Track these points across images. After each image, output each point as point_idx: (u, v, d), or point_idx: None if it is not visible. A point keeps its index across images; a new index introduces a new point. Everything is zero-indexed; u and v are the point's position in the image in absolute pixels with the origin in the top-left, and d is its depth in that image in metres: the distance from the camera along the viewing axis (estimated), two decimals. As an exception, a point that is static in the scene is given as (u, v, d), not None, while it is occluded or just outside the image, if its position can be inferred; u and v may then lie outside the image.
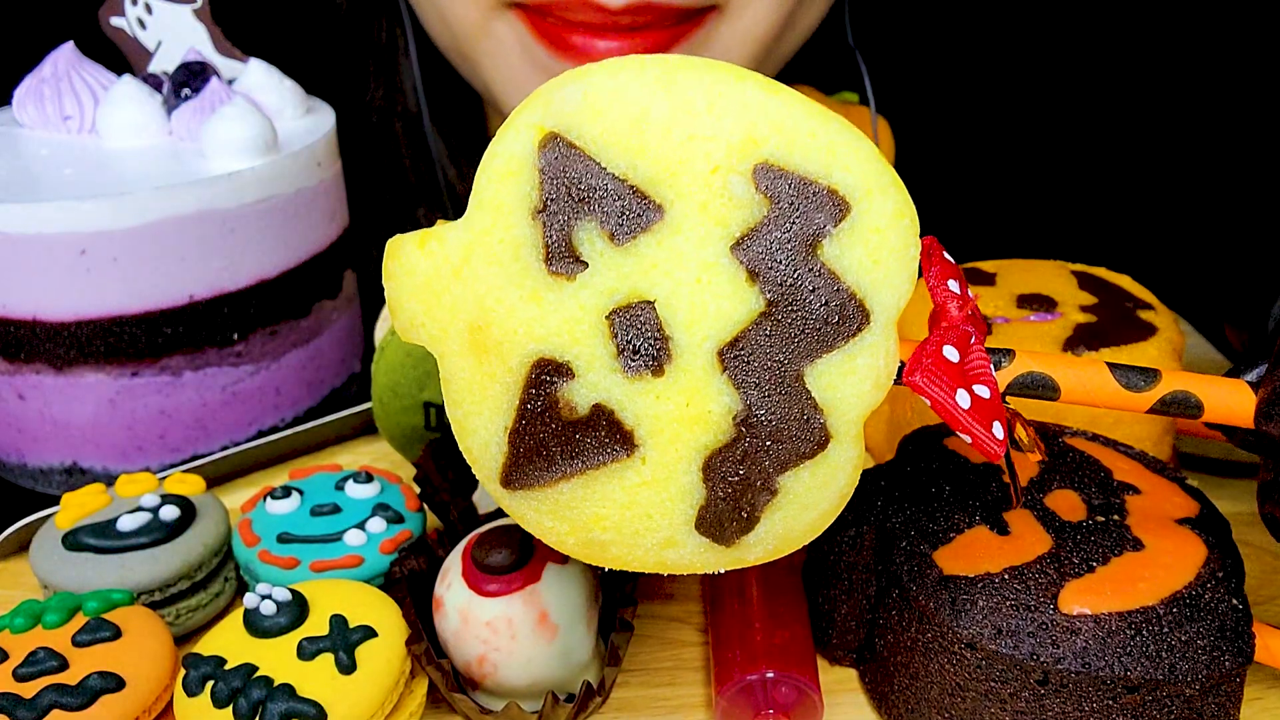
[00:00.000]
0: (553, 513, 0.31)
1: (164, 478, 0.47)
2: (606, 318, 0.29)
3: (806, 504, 0.30)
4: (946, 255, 0.33)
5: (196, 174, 0.52)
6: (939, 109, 0.82)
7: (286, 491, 0.45)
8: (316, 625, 0.37)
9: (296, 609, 0.37)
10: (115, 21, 0.61)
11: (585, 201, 0.29)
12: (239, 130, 0.53)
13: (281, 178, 0.54)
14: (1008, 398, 0.32)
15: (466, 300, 0.30)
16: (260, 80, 0.60)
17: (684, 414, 0.30)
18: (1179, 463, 0.55)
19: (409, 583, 0.40)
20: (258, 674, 0.35)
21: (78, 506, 0.45)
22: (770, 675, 0.38)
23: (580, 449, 0.30)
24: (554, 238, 0.29)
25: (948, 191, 0.75)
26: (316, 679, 0.35)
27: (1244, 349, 0.54)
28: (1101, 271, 0.57)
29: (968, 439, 0.30)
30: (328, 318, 0.59)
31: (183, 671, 0.36)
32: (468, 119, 0.76)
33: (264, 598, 0.38)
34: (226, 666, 0.35)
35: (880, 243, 0.29)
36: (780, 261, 0.29)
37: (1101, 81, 0.84)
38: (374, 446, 0.58)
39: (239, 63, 0.63)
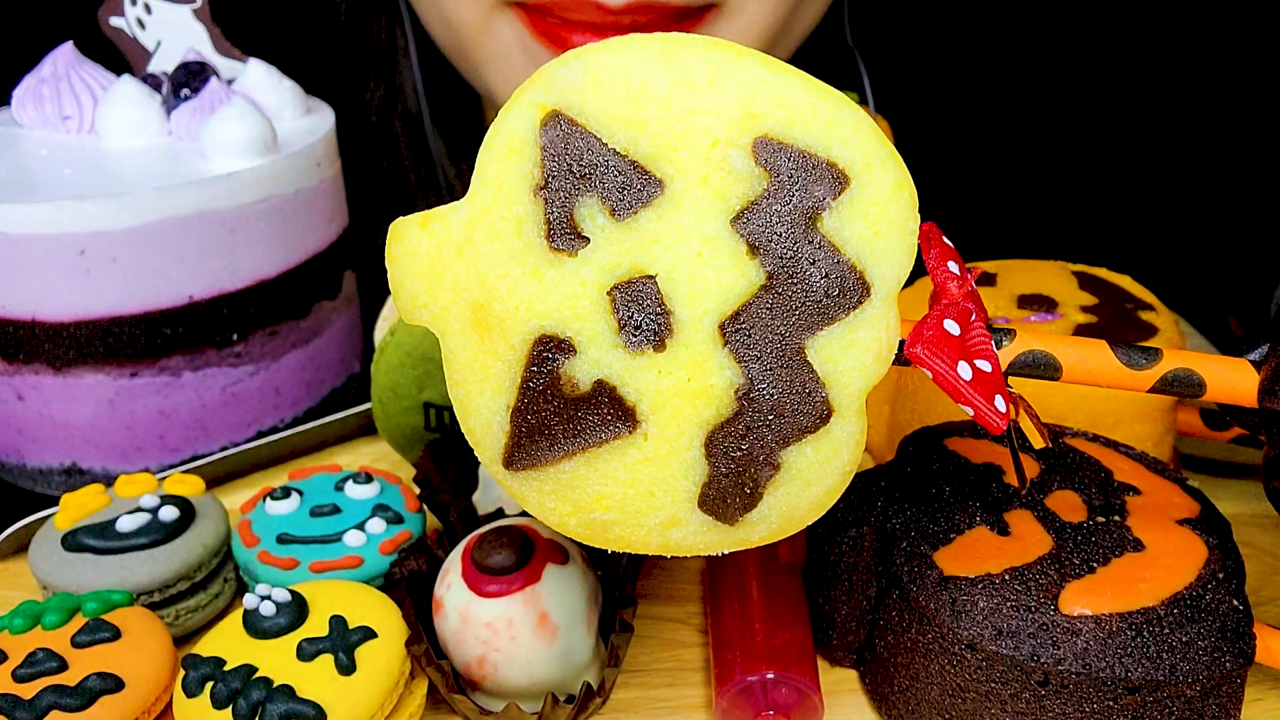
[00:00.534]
0: (555, 493, 0.31)
1: (163, 478, 0.47)
2: (608, 293, 0.29)
3: (810, 479, 0.30)
4: (945, 239, 0.33)
5: (196, 174, 0.52)
6: (938, 109, 0.82)
7: (286, 492, 0.45)
8: (316, 626, 0.37)
9: (296, 610, 0.37)
10: (114, 21, 0.61)
11: (586, 177, 0.29)
12: (238, 130, 0.53)
13: (281, 178, 0.54)
14: (1010, 380, 0.32)
15: (469, 278, 0.30)
16: (260, 80, 0.60)
17: (686, 388, 0.29)
18: (1179, 463, 0.55)
19: (409, 583, 0.40)
20: (257, 675, 0.35)
21: (77, 507, 0.45)
22: (770, 676, 0.38)
23: (582, 426, 0.30)
24: (555, 214, 0.29)
25: (947, 191, 0.75)
26: (316, 680, 0.35)
27: (1246, 335, 0.54)
28: (1102, 272, 0.57)
29: (969, 411, 0.30)
30: (327, 318, 0.59)
31: (182, 672, 0.36)
32: (467, 119, 0.76)
33: (263, 598, 0.38)
34: (226, 667, 0.35)
35: (880, 215, 0.29)
36: (780, 234, 0.29)
37: (1101, 81, 0.84)
38: (374, 447, 0.58)
39: (238, 63, 0.63)
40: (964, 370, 0.30)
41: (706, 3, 0.57)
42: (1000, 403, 0.30)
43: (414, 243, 0.31)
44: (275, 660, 0.36)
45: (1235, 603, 0.36)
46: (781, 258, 0.29)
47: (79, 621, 0.39)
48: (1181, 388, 0.33)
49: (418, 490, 0.46)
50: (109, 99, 0.57)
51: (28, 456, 0.54)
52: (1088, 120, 0.85)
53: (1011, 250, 0.62)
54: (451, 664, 0.38)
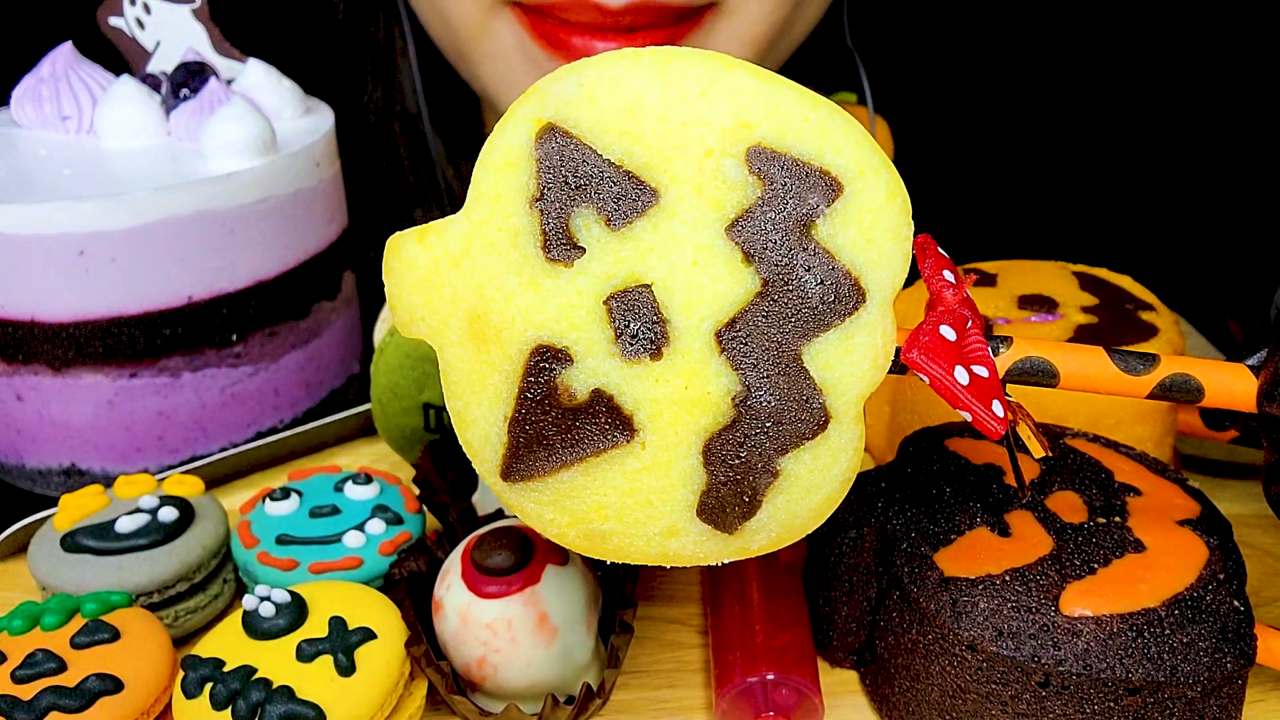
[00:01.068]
0: (553, 504, 0.31)
1: (163, 479, 0.47)
2: (604, 302, 0.30)
3: (809, 487, 0.30)
4: (941, 250, 0.33)
5: (195, 174, 0.51)
6: (938, 109, 0.82)
7: (285, 493, 0.45)
8: (315, 627, 0.37)
9: (295, 611, 0.37)
10: (114, 21, 0.61)
11: (581, 188, 0.29)
12: (237, 130, 0.53)
13: (280, 178, 0.54)
14: (1008, 387, 0.32)
15: (466, 290, 0.31)
16: (259, 80, 0.60)
17: (683, 396, 0.30)
18: (1180, 464, 0.55)
19: (408, 584, 0.40)
20: (257, 676, 0.35)
21: (76, 508, 0.45)
22: (771, 677, 0.38)
23: (580, 436, 0.30)
24: (551, 225, 0.30)
25: (947, 192, 0.75)
26: (315, 681, 0.35)
27: (1245, 339, 0.54)
28: (1102, 272, 0.57)
29: (967, 416, 0.30)
30: (327, 319, 0.59)
31: (181, 673, 0.36)
32: (466, 119, 0.76)
33: (263, 599, 0.37)
34: (225, 668, 0.35)
35: (874, 222, 0.29)
36: (775, 242, 0.29)
37: (1101, 81, 0.84)
38: (373, 448, 0.58)
39: (237, 63, 0.62)
40: (961, 375, 0.30)
41: (706, 2, 0.57)
42: (998, 408, 0.30)
43: (411, 256, 0.31)
44: (275, 661, 0.36)
45: (1236, 603, 0.35)
46: (776, 265, 0.29)
47: (78, 622, 0.39)
48: (1180, 394, 0.32)
49: (417, 491, 0.46)
50: (108, 99, 0.57)
51: (27, 457, 0.54)
52: (1088, 120, 0.85)
53: (1012, 251, 0.62)
54: (451, 665, 0.38)
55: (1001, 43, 0.84)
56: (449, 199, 0.75)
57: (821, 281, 0.29)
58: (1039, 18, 0.84)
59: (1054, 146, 0.85)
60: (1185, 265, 0.76)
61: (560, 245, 0.30)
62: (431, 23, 0.66)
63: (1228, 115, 0.82)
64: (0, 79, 0.62)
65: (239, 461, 0.55)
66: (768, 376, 0.30)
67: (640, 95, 0.29)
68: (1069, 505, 0.39)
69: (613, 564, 0.41)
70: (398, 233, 0.32)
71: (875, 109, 0.70)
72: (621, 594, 0.40)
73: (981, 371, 0.31)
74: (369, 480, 0.46)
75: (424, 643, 0.37)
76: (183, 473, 0.50)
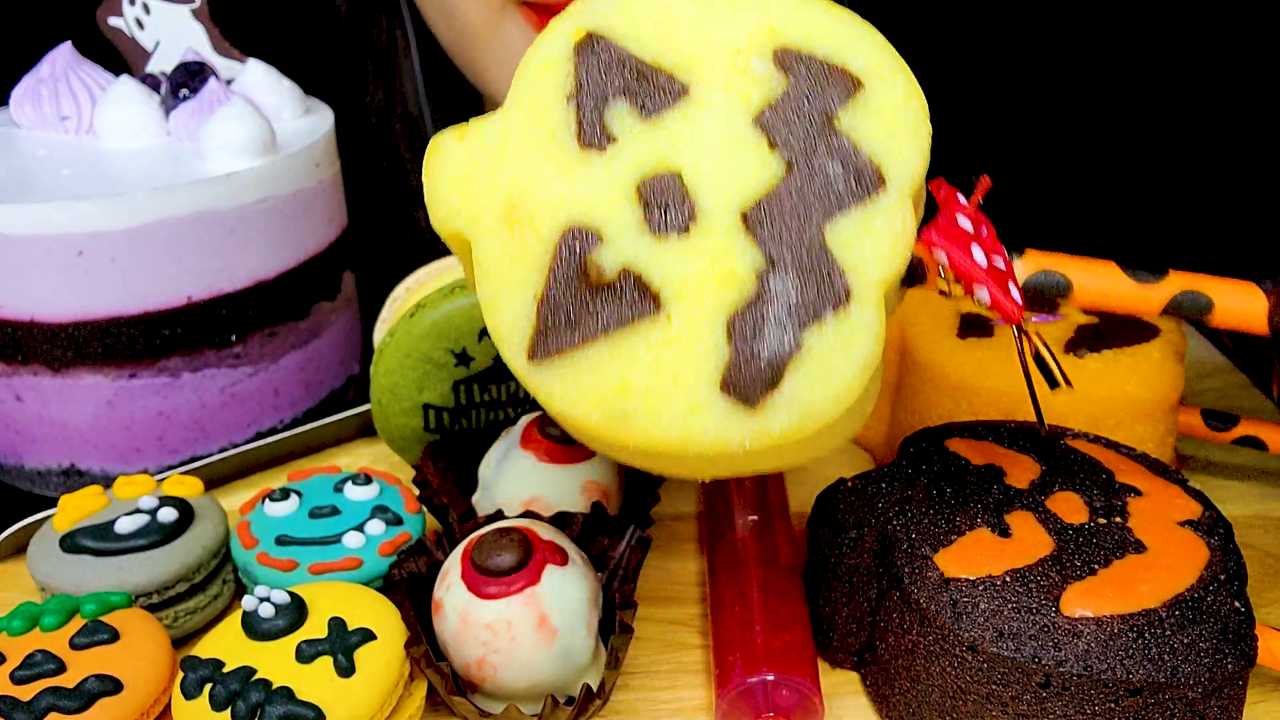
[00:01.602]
0: (578, 382, 0.31)
1: (162, 480, 0.47)
2: (636, 187, 0.32)
3: (830, 365, 0.30)
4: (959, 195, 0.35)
5: (194, 175, 0.51)
6: (937, 109, 0.82)
7: (285, 493, 0.45)
8: (315, 628, 0.37)
9: (295, 612, 0.37)
10: (113, 21, 0.61)
11: (616, 84, 0.32)
12: (237, 131, 0.53)
13: (280, 179, 0.54)
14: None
15: (503, 183, 0.32)
16: (259, 81, 0.60)
17: (709, 273, 0.31)
18: (1180, 464, 0.55)
19: (408, 585, 0.40)
20: (256, 677, 0.35)
21: (75, 509, 0.44)
22: (771, 678, 0.38)
23: (607, 311, 0.31)
24: (587, 116, 0.32)
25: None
26: (315, 682, 0.35)
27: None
28: (1102, 272, 0.57)
29: (984, 297, 0.32)
30: (326, 319, 0.59)
31: (181, 674, 0.36)
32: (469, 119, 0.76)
33: (262, 600, 0.37)
34: (225, 669, 0.35)
35: (893, 119, 0.31)
36: (799, 130, 0.31)
37: (1103, 81, 0.84)
38: (373, 448, 0.58)
39: (237, 63, 0.62)
40: (978, 255, 0.32)
41: None
42: (1015, 294, 0.32)
43: (450, 154, 0.33)
44: (274, 662, 0.36)
45: (1236, 604, 0.35)
46: (801, 150, 0.31)
47: (77, 623, 0.38)
48: (1191, 309, 0.33)
49: (417, 492, 0.46)
50: (107, 99, 0.56)
51: (26, 458, 0.54)
52: (1089, 120, 0.84)
53: (1013, 249, 0.62)
54: (451, 666, 0.37)
55: (1003, 40, 0.84)
56: None
57: (843, 165, 0.31)
58: (1042, 16, 0.83)
59: (1055, 146, 0.84)
60: (1186, 265, 0.76)
61: (595, 135, 0.32)
62: (438, 24, 0.66)
63: (1230, 115, 0.82)
64: (0, 79, 0.62)
65: (238, 462, 0.55)
66: (791, 253, 0.31)
67: (674, 6, 0.32)
68: (1070, 506, 0.39)
69: (613, 564, 0.42)
70: (440, 132, 0.34)
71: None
72: (621, 594, 0.40)
73: (998, 262, 0.32)
74: (369, 481, 0.46)
75: (424, 643, 0.37)
76: (182, 473, 0.50)
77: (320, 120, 0.61)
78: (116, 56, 0.62)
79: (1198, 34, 0.82)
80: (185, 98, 0.57)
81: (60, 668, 0.36)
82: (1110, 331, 0.50)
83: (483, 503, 0.46)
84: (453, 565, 0.38)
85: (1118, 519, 0.38)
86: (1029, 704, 0.35)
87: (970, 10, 0.83)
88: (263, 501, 0.45)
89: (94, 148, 0.56)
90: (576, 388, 0.31)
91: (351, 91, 0.75)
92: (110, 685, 0.36)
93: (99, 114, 0.57)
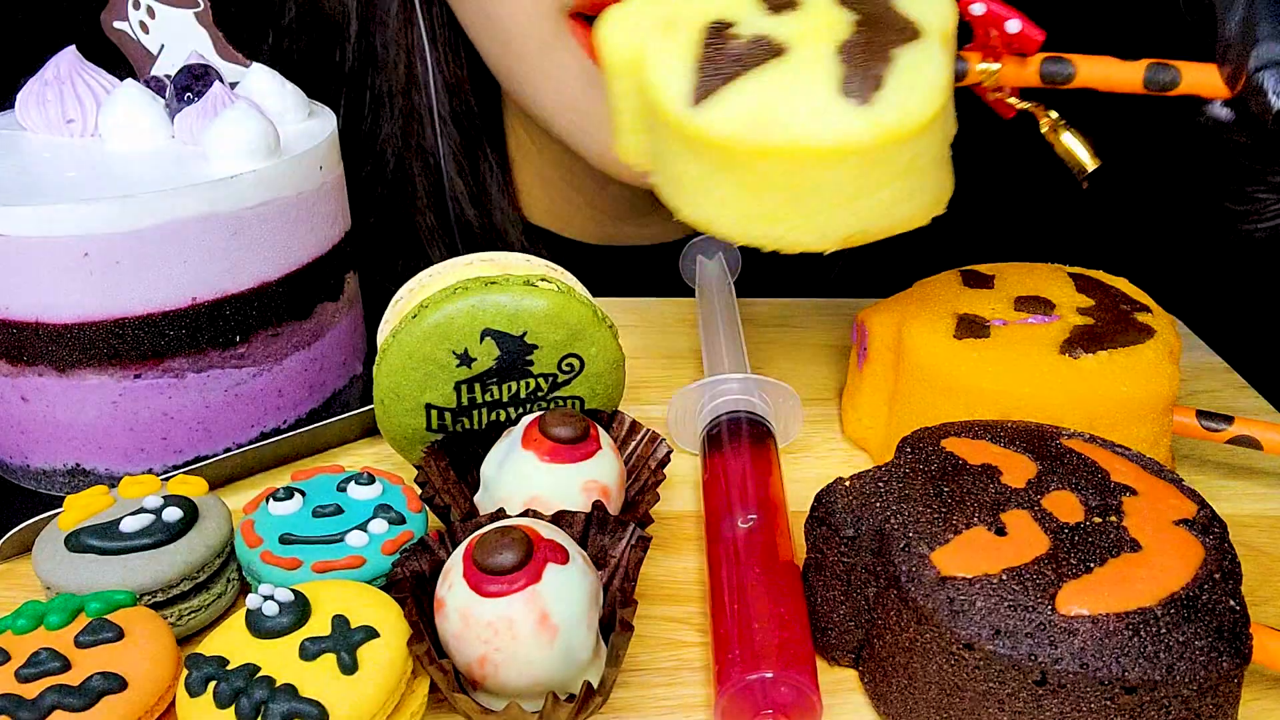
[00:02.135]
0: (730, 108, 0.42)
1: (167, 479, 0.47)
2: None
3: (915, 75, 0.42)
4: None
5: (199, 177, 0.52)
6: None
7: (289, 493, 0.45)
8: (318, 626, 0.37)
9: (298, 610, 0.38)
10: (118, 25, 0.61)
11: None
12: (241, 133, 0.53)
13: (284, 181, 0.54)
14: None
15: (658, 13, 0.46)
16: (262, 84, 0.61)
17: (819, 26, 0.44)
18: (1176, 464, 0.55)
19: (411, 583, 0.40)
20: (260, 674, 0.35)
21: (80, 508, 0.45)
22: (769, 675, 0.38)
23: (746, 58, 0.43)
24: None
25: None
26: (318, 679, 0.35)
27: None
28: (1098, 274, 0.58)
29: (1015, 26, 0.46)
30: (330, 320, 0.60)
31: (185, 672, 0.36)
32: (482, 119, 0.76)
33: (266, 598, 0.38)
34: (229, 667, 0.36)
35: None
36: None
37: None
38: (376, 448, 0.58)
39: (241, 67, 0.63)
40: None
41: None
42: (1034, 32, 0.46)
43: (613, 25, 0.47)
44: (278, 660, 0.36)
45: (1232, 603, 0.36)
46: None
47: (82, 621, 0.39)
48: (1163, 85, 0.48)
49: (420, 491, 0.46)
50: (112, 102, 0.57)
51: (32, 458, 0.54)
52: (1085, 122, 0.85)
53: (1009, 254, 0.62)
54: (453, 663, 0.38)
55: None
56: (454, 204, 0.75)
57: None
58: (1037, 16, 0.84)
59: (1052, 148, 0.84)
60: (1181, 268, 0.76)
61: None
62: (482, 39, 0.66)
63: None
64: (4, 82, 0.62)
65: (242, 462, 0.55)
66: (877, 11, 0.44)
67: None
68: (1066, 505, 0.39)
69: (614, 563, 0.42)
70: (602, 22, 0.47)
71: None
72: (622, 593, 0.40)
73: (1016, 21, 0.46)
74: (372, 480, 0.46)
75: (426, 641, 0.37)
76: (187, 473, 0.50)
77: (323, 123, 0.61)
78: (121, 60, 0.62)
79: (1188, 39, 0.82)
80: (190, 100, 0.57)
81: (65, 666, 0.36)
82: (1105, 332, 0.50)
83: (484, 502, 0.46)
84: (455, 564, 0.39)
85: (1113, 518, 0.38)
86: (1025, 701, 0.35)
87: (959, 18, 0.83)
88: (266, 501, 0.45)
89: (99, 150, 0.57)
90: (730, 112, 0.42)
91: (351, 92, 0.75)
92: (115, 683, 0.36)
93: (104, 117, 0.57)
